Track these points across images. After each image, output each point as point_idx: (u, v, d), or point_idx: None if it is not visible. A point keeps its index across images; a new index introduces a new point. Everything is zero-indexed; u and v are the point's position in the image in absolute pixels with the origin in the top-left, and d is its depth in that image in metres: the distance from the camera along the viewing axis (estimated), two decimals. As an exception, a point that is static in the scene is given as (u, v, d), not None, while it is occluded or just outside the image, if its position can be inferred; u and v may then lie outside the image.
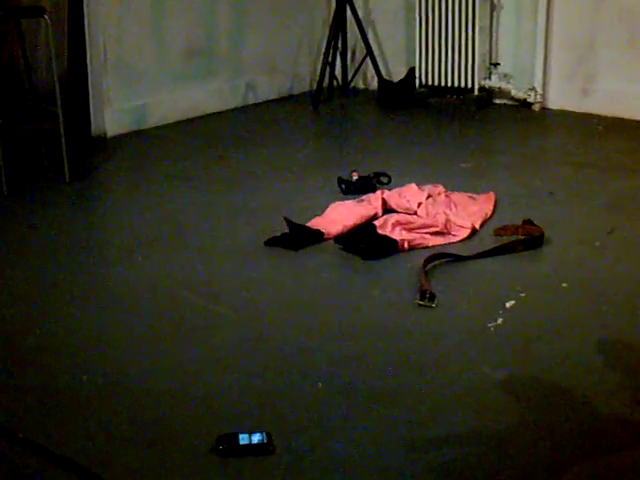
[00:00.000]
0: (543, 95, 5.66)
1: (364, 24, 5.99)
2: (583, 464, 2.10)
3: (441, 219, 3.56)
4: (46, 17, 4.12)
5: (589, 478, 2.07)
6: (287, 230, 3.45)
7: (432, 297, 2.94)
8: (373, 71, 6.05)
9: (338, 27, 5.92)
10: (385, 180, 4.10)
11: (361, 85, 6.44)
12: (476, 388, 2.45)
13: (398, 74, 6.12)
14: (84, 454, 2.15)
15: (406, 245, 3.38)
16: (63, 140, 4.20)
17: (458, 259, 3.29)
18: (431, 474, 2.08)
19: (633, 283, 3.09)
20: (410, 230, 3.50)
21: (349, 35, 6.06)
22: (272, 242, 3.43)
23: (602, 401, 2.38)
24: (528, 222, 3.57)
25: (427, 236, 3.44)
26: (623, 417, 2.30)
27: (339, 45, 5.99)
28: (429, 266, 3.21)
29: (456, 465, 2.11)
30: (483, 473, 2.09)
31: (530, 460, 2.13)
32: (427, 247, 3.39)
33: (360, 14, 5.96)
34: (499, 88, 5.81)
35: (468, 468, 2.10)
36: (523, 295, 2.99)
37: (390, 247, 3.35)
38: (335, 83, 6.10)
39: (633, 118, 5.12)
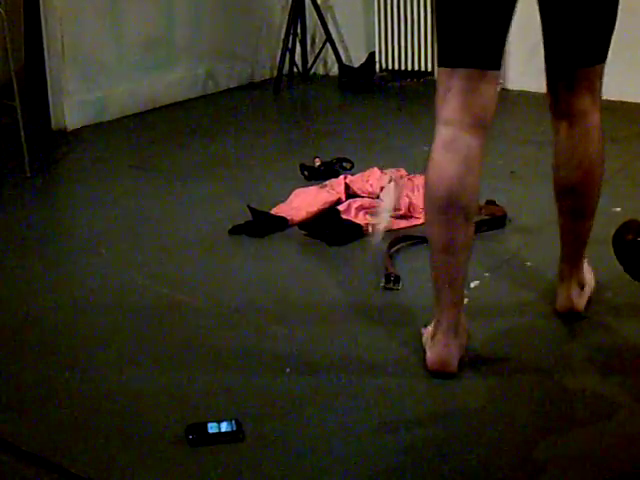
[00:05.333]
0: (503, 77, 5.69)
1: (322, 10, 5.98)
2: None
3: (404, 202, 3.57)
4: (0, 10, 4.07)
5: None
6: (251, 218, 3.45)
7: (397, 280, 2.95)
8: (333, 57, 6.04)
9: (297, 13, 5.90)
10: (348, 165, 4.10)
11: (322, 71, 6.43)
12: (443, 369, 2.46)
13: (358, 59, 6.12)
14: (50, 447, 2.14)
15: (370, 229, 3.38)
16: (22, 134, 4.16)
17: (422, 241, 3.30)
18: (402, 455, 2.09)
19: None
20: (374, 214, 3.51)
21: (308, 21, 6.05)
22: (236, 230, 3.43)
23: (570, 375, 2.41)
24: (491, 203, 3.59)
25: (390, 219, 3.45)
26: (592, 390, 2.33)
27: (298, 31, 5.98)
28: (394, 249, 3.22)
29: (426, 444, 2.13)
30: (453, 451, 2.10)
31: (500, 436, 2.15)
32: (391, 230, 3.40)
33: (318, 0, 5.95)
34: (459, 70, 5.82)
35: (438, 447, 2.12)
36: (487, 275, 3.01)
37: (354, 232, 3.36)
38: (295, 70, 6.08)
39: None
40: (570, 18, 2.30)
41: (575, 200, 2.52)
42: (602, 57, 2.39)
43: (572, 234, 2.60)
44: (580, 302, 2.69)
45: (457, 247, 2.26)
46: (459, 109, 2.23)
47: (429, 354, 2.37)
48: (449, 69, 2.23)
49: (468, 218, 2.24)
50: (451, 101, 2.25)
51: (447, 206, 2.21)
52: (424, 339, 2.47)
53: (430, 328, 2.42)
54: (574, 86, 2.39)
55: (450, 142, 2.24)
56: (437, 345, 2.35)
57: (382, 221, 3.42)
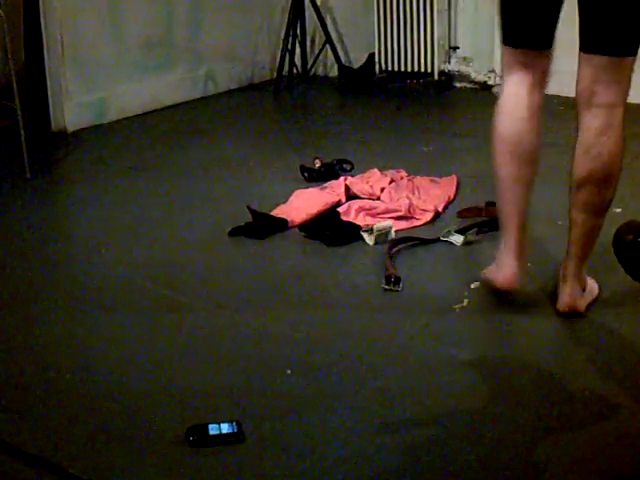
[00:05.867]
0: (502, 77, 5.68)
1: (322, 11, 5.98)
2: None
3: (404, 203, 3.57)
4: (0, 11, 4.07)
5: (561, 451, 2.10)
6: (251, 219, 3.45)
7: (397, 281, 2.95)
8: (333, 58, 6.04)
9: (296, 14, 5.90)
10: (348, 167, 4.11)
11: (321, 72, 6.43)
12: (443, 369, 2.46)
13: (358, 60, 6.12)
14: (50, 448, 2.13)
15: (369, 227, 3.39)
16: (23, 136, 4.16)
17: (422, 242, 3.30)
18: (401, 455, 2.09)
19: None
20: (374, 215, 3.51)
21: (308, 22, 6.05)
22: (236, 232, 3.43)
23: (571, 376, 2.42)
24: (491, 204, 3.59)
25: (389, 220, 3.45)
26: (592, 390, 2.33)
27: (298, 33, 5.98)
28: (394, 250, 3.22)
29: (426, 445, 2.12)
30: (453, 452, 2.10)
31: (500, 436, 2.15)
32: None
33: (318, 1, 5.94)
34: (459, 71, 5.83)
35: (438, 448, 2.12)
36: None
37: (354, 233, 3.36)
38: (295, 71, 6.08)
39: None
40: (604, 8, 2.46)
41: (590, 192, 2.59)
42: (632, 50, 2.50)
43: (583, 230, 2.64)
44: (581, 303, 2.69)
45: (524, 182, 2.68)
46: (520, 76, 2.64)
47: (497, 275, 2.71)
48: (511, 48, 2.64)
49: (532, 158, 2.67)
50: (513, 71, 2.65)
51: (515, 147, 2.63)
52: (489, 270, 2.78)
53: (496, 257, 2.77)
54: (602, 76, 2.51)
55: (515, 97, 2.66)
56: (503, 266, 2.70)
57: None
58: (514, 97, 2.65)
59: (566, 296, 2.69)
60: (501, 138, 2.67)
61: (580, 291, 2.70)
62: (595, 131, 2.54)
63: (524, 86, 2.63)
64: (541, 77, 2.64)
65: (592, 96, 2.53)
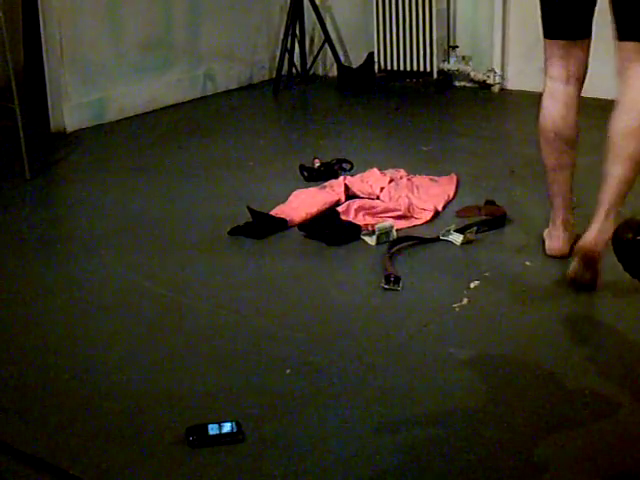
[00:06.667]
0: (502, 76, 5.69)
1: (321, 10, 5.98)
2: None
3: (404, 203, 3.57)
4: (-1, 12, 4.08)
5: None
6: (250, 219, 3.45)
7: (397, 280, 2.95)
8: (332, 57, 6.04)
9: (295, 14, 5.90)
10: (347, 166, 4.11)
11: (321, 72, 6.43)
12: (443, 368, 2.46)
13: (357, 59, 6.12)
14: (50, 448, 2.14)
15: (370, 229, 3.38)
16: (22, 137, 4.16)
17: (422, 242, 3.30)
18: (401, 454, 2.09)
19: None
20: (373, 215, 3.51)
21: (307, 22, 6.05)
22: (236, 231, 3.43)
23: (569, 375, 2.41)
24: (490, 202, 3.59)
25: (390, 220, 3.45)
26: (592, 390, 2.33)
27: (297, 32, 5.98)
28: (393, 250, 3.22)
29: (426, 444, 2.13)
30: (453, 452, 2.10)
31: (500, 436, 2.15)
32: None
33: (317, 0, 5.94)
34: (458, 70, 5.82)
35: (438, 448, 2.12)
36: (487, 275, 3.02)
37: (354, 232, 3.36)
38: (294, 70, 6.08)
39: (590, 96, 5.10)
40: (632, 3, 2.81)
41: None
42: None
43: (619, 180, 2.85)
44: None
45: (563, 166, 3.05)
46: (559, 68, 2.98)
47: (548, 245, 3.15)
48: (551, 40, 2.97)
49: (571, 145, 3.03)
50: (554, 63, 2.99)
51: (554, 138, 3.00)
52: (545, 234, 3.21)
53: (546, 230, 3.21)
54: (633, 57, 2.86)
55: (554, 92, 3.00)
56: (553, 239, 3.14)
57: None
58: (554, 89, 2.99)
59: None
60: (544, 129, 3.02)
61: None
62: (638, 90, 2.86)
63: (562, 77, 2.97)
64: (579, 67, 2.97)
65: (628, 69, 2.85)
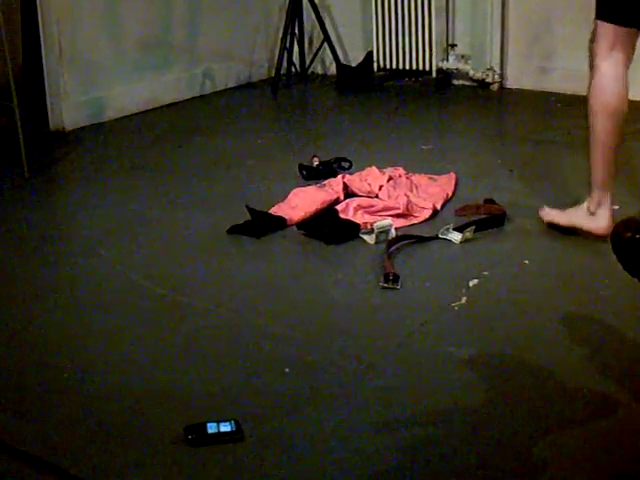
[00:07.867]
0: (501, 75, 5.69)
1: (320, 9, 5.98)
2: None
3: (402, 201, 3.57)
4: (-2, 11, 4.08)
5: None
6: (249, 218, 3.45)
7: (396, 279, 2.95)
8: (331, 56, 6.04)
9: (294, 13, 5.91)
10: (346, 165, 4.11)
11: (320, 70, 6.43)
12: (442, 367, 2.46)
13: (356, 58, 6.12)
14: (50, 448, 2.14)
15: (368, 228, 3.38)
16: (21, 136, 4.16)
17: (421, 240, 3.31)
18: (401, 454, 2.09)
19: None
20: (372, 213, 3.51)
21: (306, 21, 6.05)
22: (235, 230, 3.43)
23: (569, 375, 2.41)
24: (489, 201, 3.59)
25: (389, 219, 3.45)
26: (592, 390, 2.33)
27: (296, 31, 5.98)
28: (392, 248, 3.22)
29: (425, 444, 2.13)
30: (452, 451, 2.10)
31: (499, 436, 2.15)
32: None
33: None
34: (457, 69, 5.82)
35: (438, 448, 2.12)
36: (486, 273, 3.02)
37: (353, 231, 3.36)
38: (293, 69, 6.08)
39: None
40: None
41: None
42: None
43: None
44: None
45: (620, 144, 3.18)
46: (612, 51, 3.09)
47: (594, 225, 3.20)
48: (607, 24, 3.07)
49: (622, 130, 3.16)
50: (606, 45, 3.09)
51: (621, 117, 3.13)
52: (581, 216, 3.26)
53: (586, 208, 3.25)
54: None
55: (618, 75, 3.12)
56: (598, 218, 3.19)
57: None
58: (618, 72, 3.11)
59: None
60: (615, 110, 3.12)
61: None
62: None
63: (621, 63, 3.11)
64: (631, 55, 3.13)
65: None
